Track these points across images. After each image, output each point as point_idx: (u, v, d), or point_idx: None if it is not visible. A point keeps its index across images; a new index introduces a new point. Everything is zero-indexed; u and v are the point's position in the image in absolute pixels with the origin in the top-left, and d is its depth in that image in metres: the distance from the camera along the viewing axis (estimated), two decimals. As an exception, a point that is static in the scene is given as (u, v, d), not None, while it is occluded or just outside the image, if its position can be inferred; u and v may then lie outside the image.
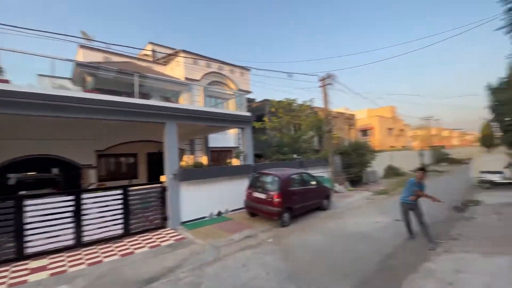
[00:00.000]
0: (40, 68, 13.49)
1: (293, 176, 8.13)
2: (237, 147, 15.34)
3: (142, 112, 7.16)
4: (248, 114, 10.39)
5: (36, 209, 5.56)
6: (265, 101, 17.65)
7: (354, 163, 15.11)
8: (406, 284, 3.91)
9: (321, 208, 8.99)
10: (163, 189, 7.49)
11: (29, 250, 5.38)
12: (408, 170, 22.05)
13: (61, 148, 9.79)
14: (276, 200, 7.12)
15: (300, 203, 7.95)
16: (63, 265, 4.99)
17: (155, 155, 12.70)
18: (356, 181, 14.94)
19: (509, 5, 3.04)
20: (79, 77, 10.02)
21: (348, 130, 25.70)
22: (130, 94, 8.04)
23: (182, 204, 7.62)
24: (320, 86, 13.76)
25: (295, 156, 13.73)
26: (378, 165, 17.37)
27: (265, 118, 15.56)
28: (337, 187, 12.94)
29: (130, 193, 6.86)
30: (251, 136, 10.35)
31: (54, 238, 5.66)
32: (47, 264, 5.06)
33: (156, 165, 12.25)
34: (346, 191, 12.92)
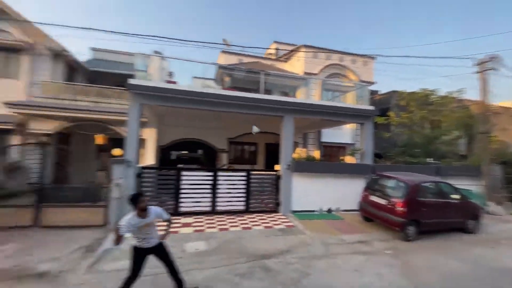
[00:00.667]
0: (195, 71, 17.54)
1: (425, 184, 6.77)
2: (353, 144, 14.29)
3: (264, 106, 7.94)
4: (369, 107, 9.42)
5: (188, 179, 7.38)
6: (392, 92, 15.37)
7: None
8: None
9: (464, 230, 7.04)
10: (277, 177, 8.11)
11: (181, 209, 7.23)
12: None
13: (204, 134, 12.41)
14: (400, 209, 6.17)
15: (433, 218, 6.53)
16: (202, 226, 6.41)
17: (272, 146, 13.84)
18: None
19: None
20: (220, 78, 12.26)
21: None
22: (256, 91, 9.06)
23: (293, 193, 7.99)
24: (477, 72, 10.49)
25: (429, 160, 11.29)
26: None
27: (391, 113, 13.56)
28: (492, 207, 9.68)
29: (252, 176, 7.86)
30: (372, 133, 9.36)
31: (197, 203, 7.35)
32: (192, 222, 6.64)
33: (272, 155, 13.35)
34: (506, 214, 9.46)
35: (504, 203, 10.07)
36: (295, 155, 8.52)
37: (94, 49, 15.64)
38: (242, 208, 7.67)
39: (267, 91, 12.39)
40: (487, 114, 10.68)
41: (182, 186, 7.30)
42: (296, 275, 4.24)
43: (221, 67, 11.45)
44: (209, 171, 7.74)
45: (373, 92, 17.12)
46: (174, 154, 13.06)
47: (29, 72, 10.59)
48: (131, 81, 6.86)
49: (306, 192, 8.14)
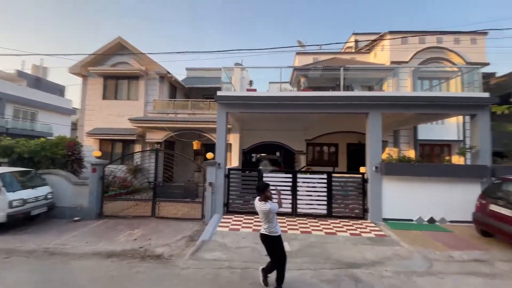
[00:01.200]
0: (271, 77, 18.25)
1: None
2: (460, 141, 11.73)
3: (346, 104, 7.48)
4: (483, 95, 7.56)
5: (269, 180, 7.67)
6: (518, 73, 11.81)
7: None
8: None
9: None
10: (364, 180, 7.46)
11: (265, 209, 7.59)
12: None
13: (282, 137, 12.69)
14: (540, 223, 4.67)
15: None
16: (284, 227, 6.54)
17: (354, 146, 12.88)
18: None
19: None
20: (295, 80, 12.33)
21: None
22: (335, 88, 8.66)
23: (384, 199, 7.18)
24: None
25: None
26: None
27: (516, 99, 10.41)
28: None
29: (333, 179, 7.53)
30: (488, 126, 7.46)
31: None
32: (275, 222, 6.86)
33: (355, 156, 12.43)
34: None
35: None
36: (384, 156, 7.66)
37: (188, 69, 18.42)
38: (323, 212, 7.43)
39: (347, 87, 11.64)
40: None
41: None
42: (390, 290, 3.80)
43: (295, 69, 11.49)
44: (288, 173, 7.87)
45: (488, 76, 13.61)
46: (255, 157, 13.88)
47: (144, 93, 13.38)
48: (218, 93, 7.72)
49: (401, 198, 7.18)
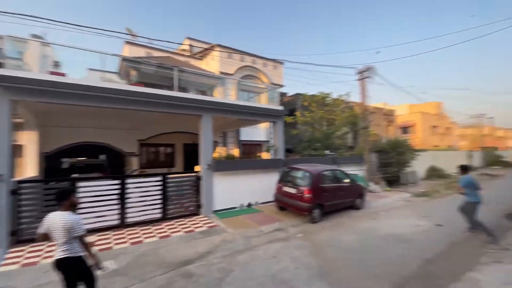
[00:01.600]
0: (90, 62, 14.87)
1: (325, 173, 7.94)
2: (268, 141, 15.39)
3: (181, 104, 7.53)
4: (280, 108, 10.33)
5: (87, 190, 6.21)
6: (298, 95, 17.35)
7: (392, 162, 14.22)
8: (448, 294, 3.63)
9: (354, 207, 8.68)
10: (198, 178, 7.86)
11: (82, 226, 6.04)
12: (454, 172, 20.15)
13: (108, 136, 10.73)
14: (307, 195, 7.05)
15: (332, 200, 7.75)
16: (109, 242, 5.54)
17: (190, 146, 13.32)
18: (393, 181, 14.08)
19: None
20: (125, 71, 10.84)
21: (387, 127, 24.21)
22: (170, 88, 8.48)
23: (214, 193, 7.93)
24: (358, 80, 13.09)
25: (327, 152, 13.36)
26: (419, 166, 16.11)
27: (297, 113, 15.32)
28: (372, 186, 12.34)
29: (168, 180, 7.31)
30: (282, 131, 10.29)
31: (101, 218, 6.28)
32: (95, 241, 5.64)
33: (191, 156, 12.86)
34: (382, 191, 12.27)
35: (380, 183, 12.99)
36: (215, 155, 8.47)
37: None
38: (158, 216, 7.04)
39: (182, 89, 11.83)
40: (366, 113, 13.49)
41: (79, 200, 6.08)
42: (219, 274, 4.20)
43: (125, 59, 10.15)
44: (114, 179, 6.71)
45: (282, 94, 18.92)
46: (66, 162, 10.80)
47: None
48: (-6, 69, 5.19)
49: (227, 190, 8.22)
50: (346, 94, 15.42)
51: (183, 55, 15.50)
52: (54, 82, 5.71)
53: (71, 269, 2.83)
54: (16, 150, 7.88)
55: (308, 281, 4.01)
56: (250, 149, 15.54)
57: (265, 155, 12.49)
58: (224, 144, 14.02)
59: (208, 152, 8.00)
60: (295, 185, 7.57)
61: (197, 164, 8.40)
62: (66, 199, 2.93)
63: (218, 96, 12.82)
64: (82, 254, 2.89)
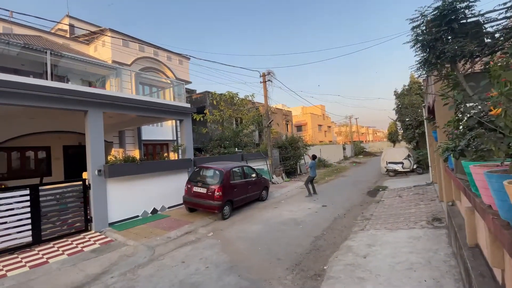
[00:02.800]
0: None
1: (235, 169, 8.20)
2: (175, 140, 14.54)
3: (57, 97, 6.03)
4: (187, 105, 9.92)
5: None
6: (206, 93, 17.17)
7: (290, 156, 16.25)
8: (331, 261, 4.44)
9: (260, 199, 9.36)
10: (86, 187, 6.54)
11: None
12: (334, 162, 24.99)
13: None
14: (218, 193, 7.07)
15: (241, 195, 8.09)
16: None
17: (74, 148, 10.97)
18: (291, 173, 16.11)
19: (413, 24, 3.71)
20: (-40, 48, 7.72)
21: (285, 126, 27.34)
22: (42, 75, 6.66)
23: (109, 203, 6.81)
24: (261, 82, 14.15)
25: (236, 149, 13.86)
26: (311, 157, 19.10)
27: (206, 111, 15.16)
28: (275, 178, 13.69)
29: (42, 193, 5.74)
30: (191, 129, 9.93)
31: None
32: None
33: (76, 160, 10.64)
34: (283, 182, 13.80)
35: (281, 175, 14.56)
36: (109, 158, 7.26)
37: None
38: (28, 240, 5.43)
39: (61, 78, 9.57)
40: (268, 113, 14.77)
41: None
42: (117, 296, 3.63)
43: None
44: None
45: (190, 91, 18.28)
46: None
47: None
48: None
49: (127, 198, 7.23)
50: (252, 95, 16.42)
51: (61, 36, 12.50)
52: None
53: None
54: None
55: (218, 278, 4.02)
56: (155, 149, 14.24)
57: (172, 156, 11.69)
58: (121, 145, 12.25)
59: (98, 155, 6.76)
60: (205, 184, 7.46)
61: (84, 170, 6.97)
62: None
63: (111, 89, 11.07)
64: None
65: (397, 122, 19.82)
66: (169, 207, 8.39)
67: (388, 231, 5.70)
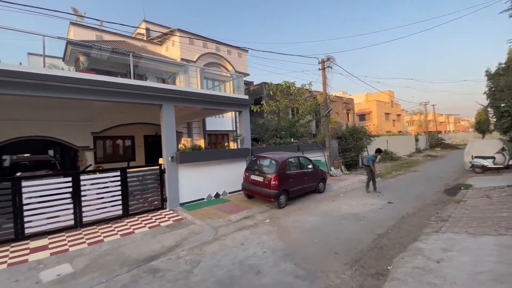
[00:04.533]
0: (30, 46, 13.00)
1: (290, 160, 8.20)
2: (234, 131, 15.30)
3: (138, 93, 7.04)
4: (246, 97, 10.27)
5: (34, 190, 5.58)
6: (263, 84, 17.39)
7: (351, 148, 15.27)
8: (396, 262, 4.08)
9: (316, 190, 9.17)
10: (162, 171, 7.54)
11: (29, 231, 5.46)
12: (404, 155, 22.38)
13: (57, 129, 9.63)
14: (274, 183, 7.23)
15: (297, 185, 8.08)
16: (64, 245, 5.10)
17: (152, 138, 12.65)
18: (352, 165, 15.17)
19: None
20: (72, 57, 9.70)
21: (346, 115, 25.68)
22: (126, 75, 7.85)
23: (180, 186, 7.71)
24: (320, 69, 13.54)
25: (292, 140, 13.77)
26: (373, 150, 17.55)
27: (263, 102, 15.41)
28: (333, 170, 13.13)
29: (129, 174, 6.89)
30: (248, 120, 10.29)
31: (53, 219, 5.73)
32: (48, 244, 5.16)
33: (153, 148, 12.25)
34: (342, 175, 13.14)
35: (340, 167, 13.88)
36: (180, 146, 8.16)
37: None
38: (119, 213, 6.64)
39: (140, 77, 11.06)
40: (327, 101, 14.10)
41: (26, 201, 5.45)
42: (187, 266, 4.15)
43: (72, 42, 9.06)
44: (65, 176, 6.11)
45: (248, 83, 18.82)
46: (8, 160, 9.54)
47: None
48: None
49: (194, 181, 8.05)
50: (309, 83, 15.87)
51: (139, 39, 14.38)
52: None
53: None
54: None
55: (275, 263, 4.17)
56: (217, 139, 15.32)
57: (232, 145, 12.40)
58: (189, 135, 13.59)
59: (171, 143, 7.68)
60: (262, 173, 7.70)
61: (160, 156, 8.03)
62: None
63: (180, 84, 12.27)
64: None
65: (488, 109, 16.42)
66: (229, 193, 9.00)
67: (470, 235, 4.89)
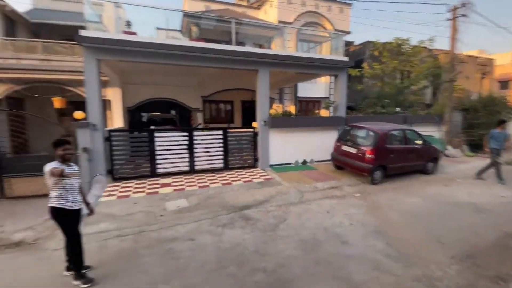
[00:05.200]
0: (157, 22, 15.71)
1: (393, 132, 7.17)
2: (327, 98, 14.45)
3: (238, 59, 7.48)
4: (344, 58, 9.29)
5: (162, 140, 7.14)
6: (367, 43, 15.18)
7: (480, 124, 11.79)
8: (535, 273, 3.15)
9: (424, 171, 7.82)
10: (255, 134, 8.13)
11: (159, 171, 7.12)
12: None
13: (176, 93, 11.71)
14: (369, 156, 6.59)
15: (398, 162, 7.11)
16: (182, 185, 6.46)
17: (248, 103, 13.57)
18: (478, 146, 11.89)
19: None
20: (186, 28, 11.13)
21: (480, 80, 19.68)
22: (228, 43, 8.44)
23: (270, 148, 8.16)
24: (449, 19, 10.51)
25: (398, 110, 11.85)
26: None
27: (364, 64, 13.58)
28: (450, 150, 10.73)
29: (229, 134, 7.79)
30: (345, 85, 9.41)
31: (175, 164, 7.26)
32: (171, 182, 6.65)
33: (249, 112, 13.19)
34: (462, 156, 10.60)
35: (462, 146, 11.18)
36: (271, 111, 8.46)
37: (33, -4, 13.18)
38: (221, 165, 7.75)
39: (240, 44, 11.63)
40: (454, 63, 11.07)
41: (157, 148, 7.09)
42: (274, 221, 4.54)
43: (186, 14, 10.30)
44: (183, 132, 7.51)
45: (348, 43, 16.81)
46: (145, 116, 12.40)
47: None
48: (83, 32, 5.97)
49: (283, 146, 8.34)
50: (430, 40, 12.68)
51: (241, 5, 14.85)
52: (127, 41, 6.27)
53: (57, 220, 2.94)
54: (105, 105, 9.37)
55: (363, 237, 3.99)
56: (308, 106, 14.94)
57: (323, 113, 11.84)
58: (281, 101, 13.80)
59: (264, 108, 8.03)
60: (355, 145, 7.13)
61: (254, 120, 8.59)
62: (55, 149, 2.89)
63: (276, 49, 12.25)
64: (70, 208, 2.93)
65: None
66: (317, 161, 8.89)
67: None
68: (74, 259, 2.99)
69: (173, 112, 12.38)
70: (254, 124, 8.57)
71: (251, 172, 7.70)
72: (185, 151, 7.31)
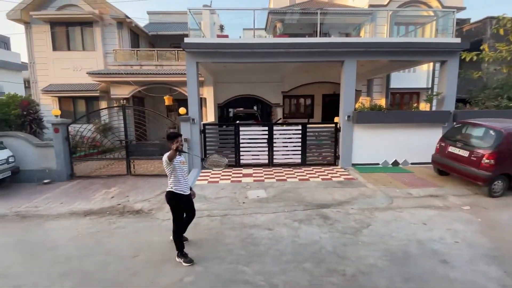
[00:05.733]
0: (245, 23, 16.76)
1: (527, 132, 5.46)
2: (429, 88, 12.19)
3: (322, 51, 7.21)
4: (456, 40, 7.61)
5: (246, 134, 7.68)
6: (488, 19, 11.91)
7: None
8: None
9: None
10: (337, 129, 7.71)
11: (242, 162, 7.72)
12: None
13: (258, 89, 12.30)
14: (487, 161, 5.25)
15: (533, 171, 5.39)
16: (261, 176, 6.81)
17: (330, 97, 12.96)
18: None
19: None
20: (271, 25, 11.45)
21: None
22: (312, 35, 8.23)
23: (354, 146, 7.57)
24: None
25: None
26: None
27: (484, 46, 10.70)
28: None
29: (308, 130, 7.68)
30: (456, 73, 7.71)
31: (256, 156, 7.72)
32: (252, 173, 7.10)
33: (330, 106, 12.61)
34: None
35: None
36: (357, 105, 7.82)
37: (150, 13, 16.28)
38: (298, 161, 7.75)
39: (324, 35, 11.13)
40: None
41: (241, 141, 7.69)
42: (355, 224, 4.24)
43: (270, 12, 10.57)
44: (264, 126, 7.88)
45: (461, 22, 13.60)
46: (232, 112, 13.59)
47: (101, 42, 11.87)
48: (186, 40, 7.00)
49: (369, 144, 7.60)
50: None
51: (326, -5, 14.12)
52: (218, 44, 6.99)
53: (171, 203, 3.39)
54: (201, 102, 10.76)
55: (471, 260, 3.25)
56: (403, 98, 12.99)
57: (423, 106, 10.03)
58: (369, 94, 12.51)
59: (349, 102, 7.48)
60: (467, 146, 5.79)
61: (335, 115, 8.15)
62: (169, 142, 3.18)
63: (366, 36, 11.13)
64: (182, 193, 3.36)
65: None
66: (412, 163, 7.71)
67: None
68: (177, 240, 3.38)
69: (255, 107, 13.11)
70: (336, 119, 8.14)
71: (331, 170, 7.38)
72: (265, 145, 7.65)
